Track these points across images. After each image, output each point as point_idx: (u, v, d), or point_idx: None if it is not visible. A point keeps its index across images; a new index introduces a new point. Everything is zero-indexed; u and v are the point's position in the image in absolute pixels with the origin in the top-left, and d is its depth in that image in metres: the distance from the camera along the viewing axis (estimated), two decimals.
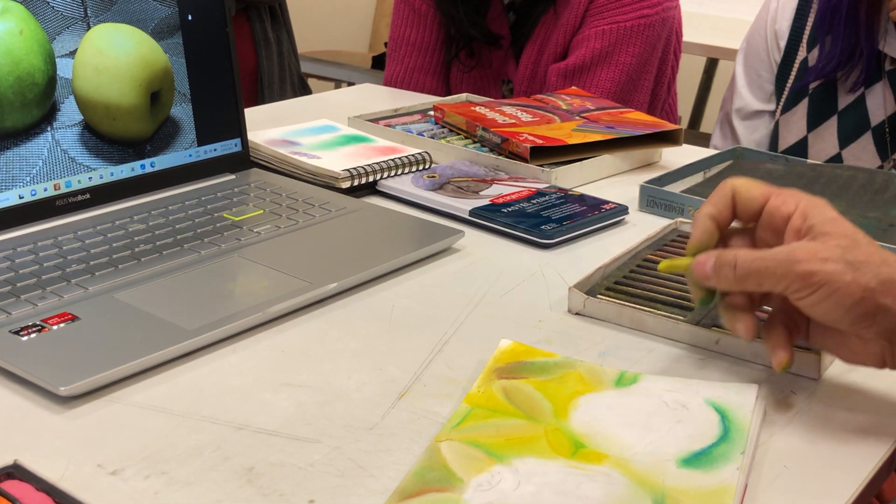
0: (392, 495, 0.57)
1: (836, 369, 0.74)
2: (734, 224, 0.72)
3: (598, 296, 0.82)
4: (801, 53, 1.45)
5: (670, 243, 0.94)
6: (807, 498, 0.60)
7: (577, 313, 0.82)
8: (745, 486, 0.60)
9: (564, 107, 1.32)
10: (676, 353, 0.76)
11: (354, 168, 1.07)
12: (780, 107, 1.47)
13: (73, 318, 0.74)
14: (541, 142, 1.15)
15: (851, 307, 0.64)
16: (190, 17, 1.01)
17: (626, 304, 0.80)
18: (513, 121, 1.24)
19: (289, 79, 1.95)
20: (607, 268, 0.87)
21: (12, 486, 0.56)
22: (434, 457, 0.60)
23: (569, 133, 1.20)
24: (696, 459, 0.60)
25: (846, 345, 0.67)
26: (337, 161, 1.10)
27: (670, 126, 1.23)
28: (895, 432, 0.66)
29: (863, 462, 0.63)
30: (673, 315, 0.79)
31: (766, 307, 0.72)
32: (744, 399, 0.66)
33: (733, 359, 0.75)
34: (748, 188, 0.71)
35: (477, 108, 1.29)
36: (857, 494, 0.60)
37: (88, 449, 0.61)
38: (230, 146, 1.07)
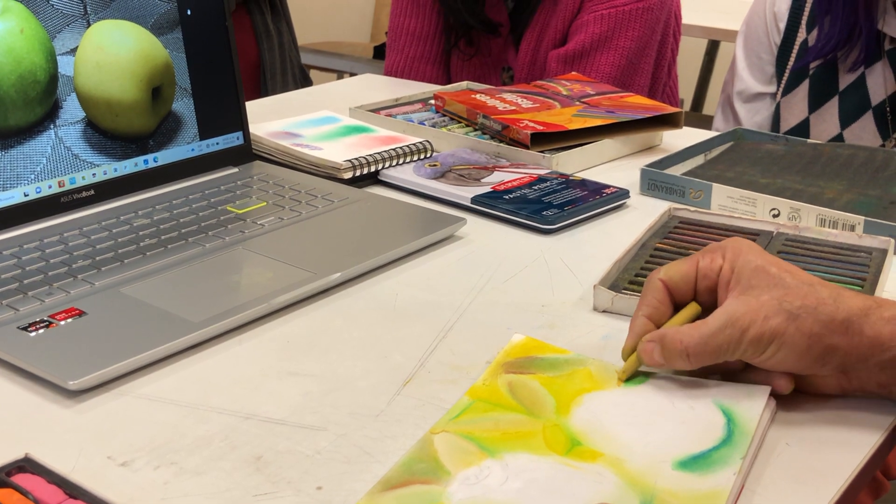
0: (376, 485, 0.57)
1: None
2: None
3: (624, 291, 0.81)
4: (801, 34, 1.45)
5: (674, 230, 0.93)
6: (809, 474, 0.60)
7: (603, 311, 0.80)
8: (742, 487, 0.59)
9: (565, 92, 1.33)
10: None
11: (356, 158, 1.08)
12: (780, 89, 1.47)
13: (81, 314, 0.75)
14: (541, 128, 1.15)
15: (802, 355, 0.64)
16: (189, 12, 1.02)
17: None
18: (513, 108, 1.24)
19: (290, 70, 1.97)
20: (621, 261, 0.86)
21: (24, 480, 0.57)
22: (425, 448, 0.60)
23: (569, 118, 1.20)
24: (694, 462, 0.59)
25: (801, 380, 0.67)
26: (339, 152, 1.10)
27: (670, 109, 1.24)
28: None
29: (865, 437, 0.64)
30: None
31: None
32: (754, 401, 0.64)
33: None
34: (675, 269, 0.70)
35: (477, 96, 1.30)
36: (860, 469, 0.61)
37: (98, 441, 0.62)
38: (232, 139, 1.07)
